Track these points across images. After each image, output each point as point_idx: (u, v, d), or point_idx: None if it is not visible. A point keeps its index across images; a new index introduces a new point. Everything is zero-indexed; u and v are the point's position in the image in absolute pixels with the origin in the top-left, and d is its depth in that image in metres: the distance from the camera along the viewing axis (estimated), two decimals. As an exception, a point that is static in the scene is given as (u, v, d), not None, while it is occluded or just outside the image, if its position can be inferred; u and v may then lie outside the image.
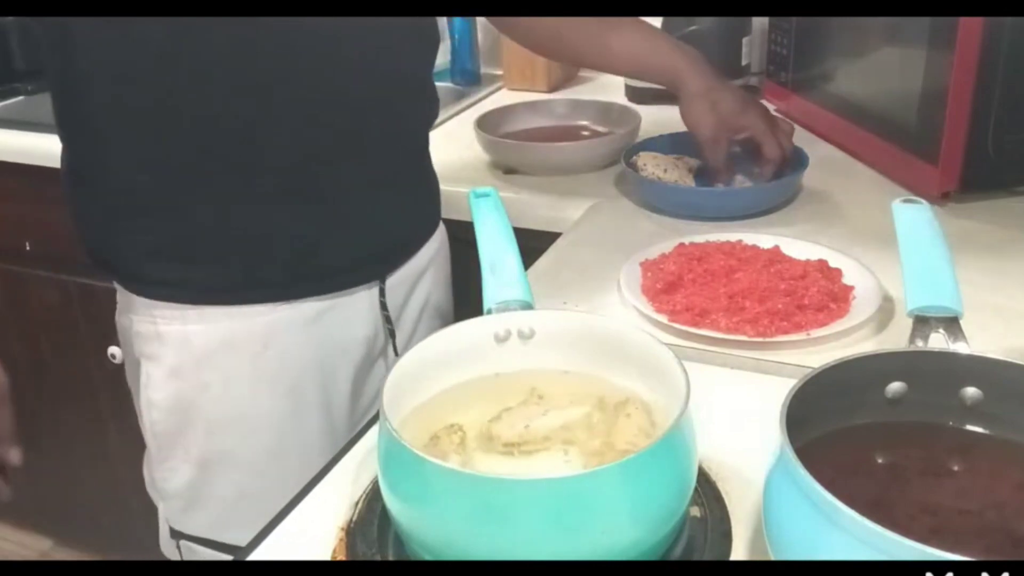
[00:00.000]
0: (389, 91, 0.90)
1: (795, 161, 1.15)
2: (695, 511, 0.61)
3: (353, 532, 0.62)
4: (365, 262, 0.93)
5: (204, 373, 0.88)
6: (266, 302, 0.87)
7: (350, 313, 0.92)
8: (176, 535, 0.96)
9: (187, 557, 0.96)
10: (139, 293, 0.88)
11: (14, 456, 0.82)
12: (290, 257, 0.88)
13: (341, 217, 0.88)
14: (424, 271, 1.01)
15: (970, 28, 1.00)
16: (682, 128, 1.15)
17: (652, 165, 1.16)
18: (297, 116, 0.83)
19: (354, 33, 0.84)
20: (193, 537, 0.95)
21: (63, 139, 0.89)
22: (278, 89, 0.82)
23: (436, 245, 1.03)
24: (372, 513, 0.63)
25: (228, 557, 0.91)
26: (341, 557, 0.61)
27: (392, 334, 0.98)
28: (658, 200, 1.13)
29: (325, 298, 0.90)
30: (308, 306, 0.89)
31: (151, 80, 0.79)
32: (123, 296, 0.91)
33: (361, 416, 0.98)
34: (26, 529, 2.07)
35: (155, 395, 0.90)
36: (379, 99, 0.88)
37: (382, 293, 0.95)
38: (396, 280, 0.97)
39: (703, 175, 1.18)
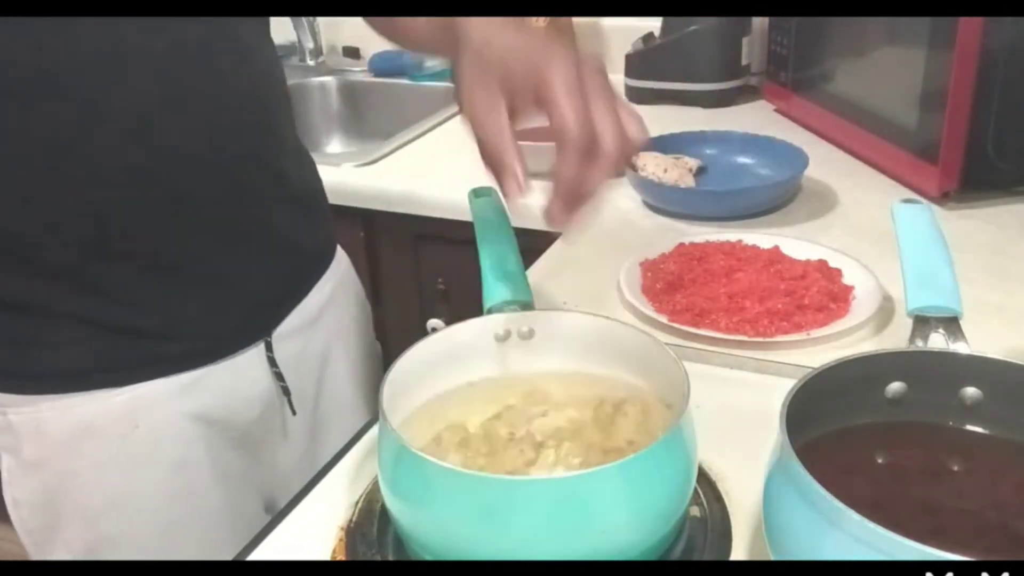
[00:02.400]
0: (232, 161, 0.79)
1: (796, 161, 1.15)
2: (695, 511, 0.61)
3: (353, 532, 0.62)
4: (240, 323, 0.82)
5: (68, 462, 0.78)
6: (125, 385, 0.77)
7: (231, 377, 0.82)
8: None
9: None
10: None
11: None
12: (148, 337, 0.77)
13: (201, 286, 0.79)
14: (319, 316, 0.91)
15: (970, 28, 1.00)
16: (680, 128, 1.14)
17: (652, 165, 1.16)
18: (138, 184, 0.73)
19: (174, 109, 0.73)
20: None
21: None
22: (114, 158, 0.71)
23: (332, 283, 0.93)
24: (372, 513, 0.63)
25: None
26: (341, 557, 0.61)
27: (287, 392, 0.88)
28: (658, 200, 1.13)
29: (201, 369, 0.80)
30: (180, 378, 0.79)
31: None
32: None
33: (269, 488, 0.90)
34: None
35: (18, 493, 0.81)
36: (223, 166, 0.77)
37: (269, 348, 0.85)
38: (283, 333, 0.87)
39: (702, 175, 1.18)
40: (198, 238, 0.77)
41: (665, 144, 1.23)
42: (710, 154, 1.24)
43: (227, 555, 0.84)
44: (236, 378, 0.83)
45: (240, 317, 0.82)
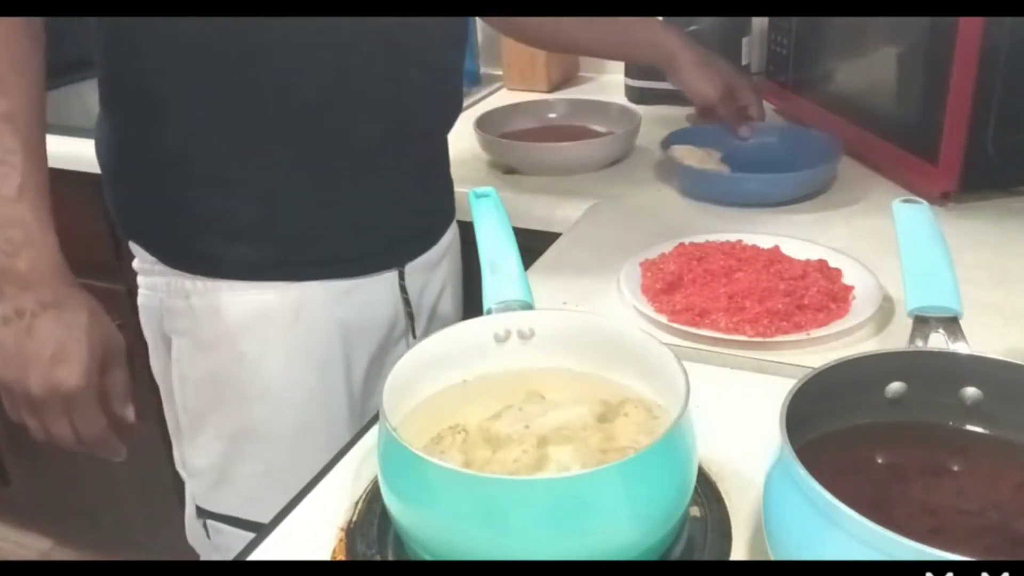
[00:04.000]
0: (428, 90, 0.93)
1: (830, 148, 1.17)
2: (695, 511, 0.61)
3: (353, 532, 0.62)
4: (386, 250, 0.96)
5: (239, 344, 0.89)
6: (297, 280, 0.90)
7: (372, 295, 0.95)
8: (203, 514, 0.97)
9: (213, 537, 0.98)
10: (176, 267, 0.90)
11: (129, 414, 0.84)
12: (322, 242, 0.90)
13: (370, 207, 0.92)
14: (440, 261, 1.04)
15: (970, 28, 1.00)
16: (684, 125, 1.15)
17: (689, 158, 1.19)
18: (347, 108, 0.86)
19: (403, 30, 0.86)
20: (220, 515, 0.96)
21: (109, 116, 0.90)
22: (337, 78, 0.84)
23: (451, 237, 1.06)
24: (372, 513, 0.63)
25: (252, 536, 0.92)
26: (341, 557, 0.61)
27: (412, 318, 1.01)
28: (702, 189, 1.16)
29: (350, 280, 0.93)
30: (335, 284, 0.92)
31: (212, 56, 0.81)
32: (149, 277, 0.93)
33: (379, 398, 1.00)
34: (26, 529, 2.07)
35: (188, 370, 0.92)
36: (420, 97, 0.92)
37: (402, 277, 0.98)
38: (414, 267, 0.99)
39: (731, 164, 1.23)
40: (393, 165, 0.92)
41: (692, 136, 1.25)
42: (740, 143, 1.28)
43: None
44: (374, 296, 0.95)
45: (385, 242, 0.95)
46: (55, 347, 0.77)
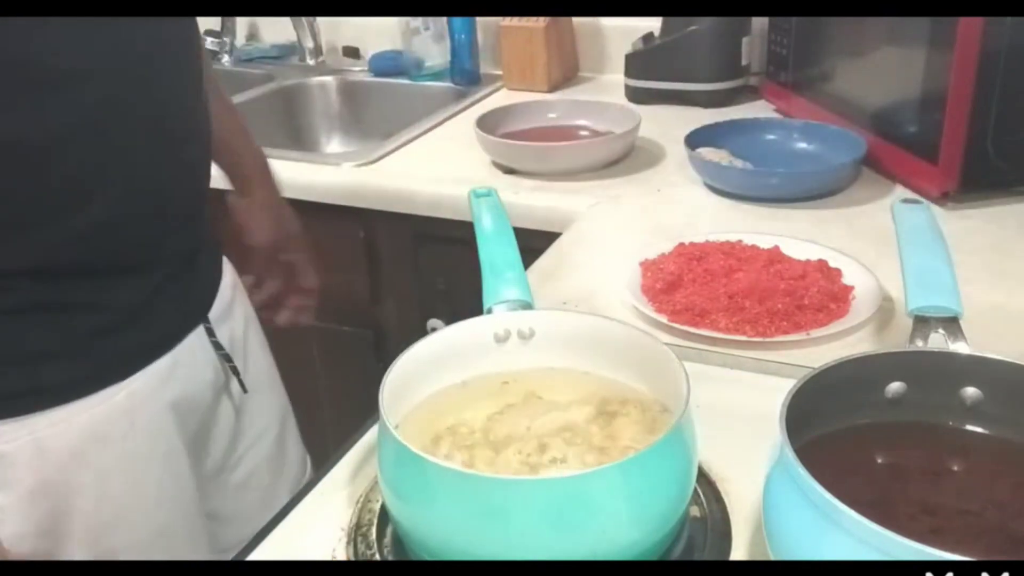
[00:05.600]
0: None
1: (853, 145, 1.18)
2: (695, 511, 0.61)
3: (353, 532, 0.62)
4: (185, 314, 0.87)
5: (74, 478, 0.77)
6: (122, 380, 0.79)
7: (190, 362, 0.86)
8: None
9: None
10: None
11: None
12: (129, 330, 0.80)
13: (161, 277, 0.82)
14: (233, 296, 0.95)
15: (970, 28, 1.00)
16: (680, 129, 1.15)
17: (717, 158, 1.21)
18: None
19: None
20: None
21: None
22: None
23: (229, 267, 0.97)
24: (372, 513, 0.63)
25: None
26: (341, 557, 0.61)
27: (235, 370, 0.92)
28: (726, 184, 1.18)
29: (165, 357, 0.83)
30: (155, 367, 0.81)
31: None
32: None
33: (222, 456, 0.93)
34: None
35: (20, 528, 0.77)
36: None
37: (210, 333, 0.89)
38: (216, 315, 0.90)
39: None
40: (164, 241, 0.82)
41: (714, 136, 1.27)
42: (769, 139, 1.30)
43: (209, 550, 0.89)
44: (193, 361, 0.86)
45: (186, 299, 0.86)
46: None
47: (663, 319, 0.85)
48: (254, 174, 1.05)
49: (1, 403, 0.74)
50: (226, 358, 0.91)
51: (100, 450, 0.78)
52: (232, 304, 0.94)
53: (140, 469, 0.81)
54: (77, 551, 0.80)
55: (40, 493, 0.77)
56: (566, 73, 1.73)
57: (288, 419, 1.03)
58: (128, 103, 0.74)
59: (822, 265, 0.90)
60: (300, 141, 1.83)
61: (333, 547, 0.62)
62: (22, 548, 0.77)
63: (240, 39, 1.99)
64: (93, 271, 0.77)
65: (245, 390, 0.94)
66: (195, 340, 0.86)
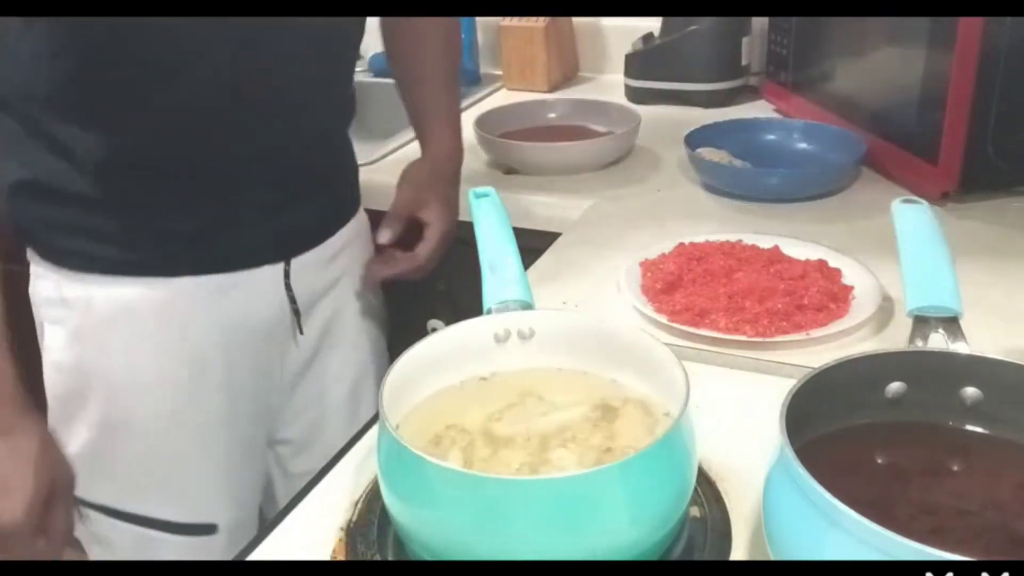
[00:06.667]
0: (317, 94, 0.94)
1: (853, 145, 1.18)
2: (695, 511, 0.61)
3: (353, 532, 0.62)
4: (267, 246, 0.95)
5: (105, 336, 0.90)
6: (169, 275, 0.90)
7: (253, 291, 0.94)
8: (79, 503, 0.94)
9: (92, 529, 0.96)
10: (47, 259, 0.90)
11: (64, 554, 0.83)
12: (194, 240, 0.90)
13: (244, 206, 0.91)
14: (335, 257, 1.02)
15: (970, 28, 0.99)
16: (680, 129, 1.14)
17: (717, 158, 1.21)
18: (230, 116, 0.86)
19: (289, 35, 0.86)
20: (96, 506, 0.95)
21: None
22: (219, 88, 0.84)
23: (348, 235, 1.04)
24: (372, 513, 0.63)
25: (131, 527, 0.94)
26: (341, 557, 0.61)
27: (297, 315, 0.99)
28: (726, 184, 1.18)
29: (227, 275, 0.92)
30: (210, 280, 0.91)
31: (88, 66, 0.81)
32: (33, 267, 0.93)
33: (266, 394, 1.00)
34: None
35: (57, 357, 0.92)
36: (309, 101, 0.92)
37: (287, 275, 0.96)
38: (302, 264, 0.97)
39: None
40: (265, 167, 0.91)
41: (712, 136, 1.27)
42: (769, 140, 1.31)
43: (220, 455, 0.96)
44: (255, 292, 0.94)
45: (266, 239, 0.94)
46: (0, 477, 0.76)
47: (663, 319, 0.85)
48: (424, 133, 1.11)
49: (69, 258, 0.89)
50: (292, 303, 0.98)
51: (130, 325, 0.89)
52: (333, 259, 1.01)
53: (165, 358, 0.91)
54: (96, 400, 0.91)
55: (80, 338, 0.90)
56: (566, 73, 1.73)
57: (365, 379, 1.08)
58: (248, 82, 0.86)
59: (822, 265, 0.90)
60: (300, 141, 1.83)
61: (333, 547, 0.62)
62: (60, 377, 0.92)
63: (240, 39, 1.99)
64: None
65: (301, 332, 1.00)
66: (268, 274, 0.95)
